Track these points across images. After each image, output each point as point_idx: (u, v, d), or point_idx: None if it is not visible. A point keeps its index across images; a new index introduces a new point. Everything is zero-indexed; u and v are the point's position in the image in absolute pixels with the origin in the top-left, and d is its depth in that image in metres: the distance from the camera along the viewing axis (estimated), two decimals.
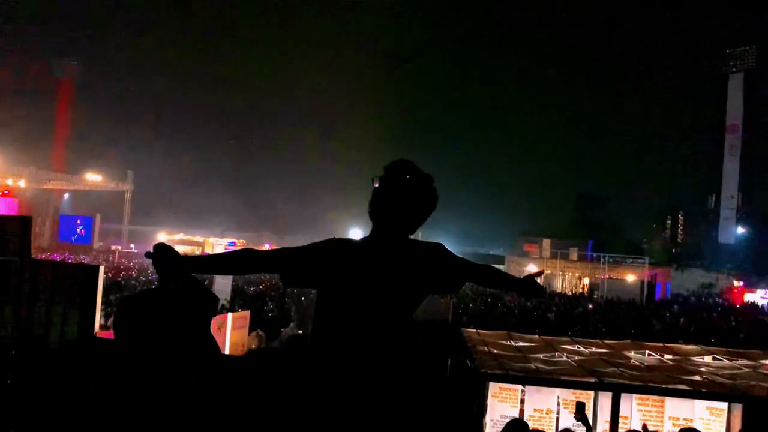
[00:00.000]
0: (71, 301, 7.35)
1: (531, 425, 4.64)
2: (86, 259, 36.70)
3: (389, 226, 2.22)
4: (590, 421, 6.56)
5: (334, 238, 2.30)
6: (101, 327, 8.28)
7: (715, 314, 26.56)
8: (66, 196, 60.41)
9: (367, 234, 2.30)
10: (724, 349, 8.61)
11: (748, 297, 44.97)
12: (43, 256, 32.86)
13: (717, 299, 42.94)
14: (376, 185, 2.22)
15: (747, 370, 7.15)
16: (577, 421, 5.36)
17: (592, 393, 6.49)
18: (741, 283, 47.71)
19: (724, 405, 6.32)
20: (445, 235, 63.42)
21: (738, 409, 5.99)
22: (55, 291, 7.34)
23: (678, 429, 5.72)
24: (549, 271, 53.80)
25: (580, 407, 5.07)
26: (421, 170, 2.25)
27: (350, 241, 2.31)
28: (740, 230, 68.68)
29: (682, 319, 21.61)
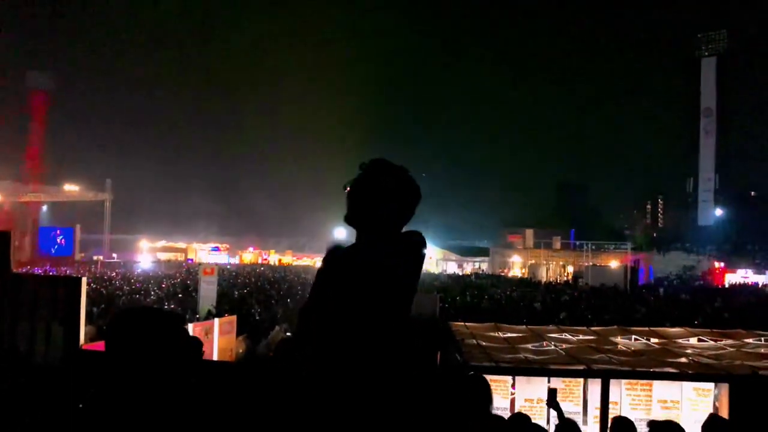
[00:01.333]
0: (55, 314, 7.27)
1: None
2: (68, 271, 36.29)
3: (374, 226, 2.13)
4: (581, 407, 6.63)
5: (335, 247, 2.21)
6: (87, 339, 8.19)
7: (698, 295, 26.95)
8: (44, 208, 59.65)
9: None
10: (708, 330, 8.74)
11: (730, 277, 45.67)
12: (24, 270, 32.45)
13: (699, 281, 43.52)
14: (348, 190, 2.12)
15: (731, 350, 7.26)
16: (549, 408, 5.40)
17: (581, 380, 6.54)
18: (722, 264, 48.42)
19: (711, 385, 6.41)
20: (430, 229, 63.59)
21: (724, 388, 6.07)
22: (37, 305, 7.25)
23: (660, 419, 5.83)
24: (533, 261, 54.18)
25: (551, 394, 5.09)
26: (393, 164, 2.17)
27: (345, 247, 2.26)
28: (718, 212, 69.62)
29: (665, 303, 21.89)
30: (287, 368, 2.19)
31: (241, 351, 11.18)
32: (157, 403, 1.62)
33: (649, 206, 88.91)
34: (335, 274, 2.14)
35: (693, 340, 8.03)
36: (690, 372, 6.14)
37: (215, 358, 9.88)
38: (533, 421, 3.89)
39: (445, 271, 55.32)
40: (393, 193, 2.11)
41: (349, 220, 2.14)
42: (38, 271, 34.86)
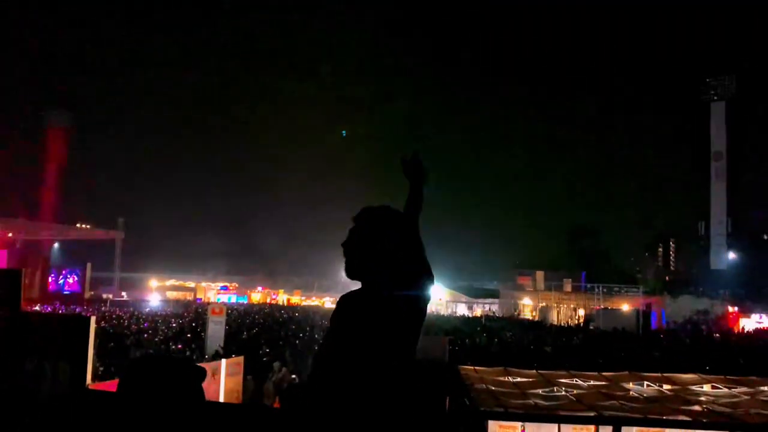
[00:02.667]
0: (63, 353, 7.27)
1: None
2: (78, 309, 36.33)
3: (372, 272, 2.16)
4: None
5: (344, 294, 2.29)
6: (94, 378, 8.16)
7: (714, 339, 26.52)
8: (56, 245, 60.06)
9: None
10: (722, 377, 8.59)
11: (743, 322, 44.93)
12: (34, 308, 32.55)
13: (710, 326, 42.83)
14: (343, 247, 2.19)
15: (746, 397, 7.13)
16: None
17: (592, 427, 6.43)
18: (735, 309, 47.70)
19: None
20: (439, 270, 63.26)
21: None
22: (46, 343, 7.26)
23: None
24: (544, 304, 53.71)
25: None
26: (374, 207, 2.23)
27: (349, 294, 2.29)
28: (731, 255, 68.95)
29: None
30: (295, 413, 2.19)
31: (248, 392, 11.09)
32: None
33: (660, 249, 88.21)
34: (339, 317, 2.17)
35: (707, 387, 7.89)
36: (704, 420, 6.02)
37: (222, 399, 9.79)
38: None
39: (455, 312, 54.87)
40: (378, 238, 2.16)
41: (349, 274, 2.21)
42: (48, 309, 34.93)
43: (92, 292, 58.37)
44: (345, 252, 2.19)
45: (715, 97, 74.34)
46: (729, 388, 7.73)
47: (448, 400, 8.20)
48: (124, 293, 65.04)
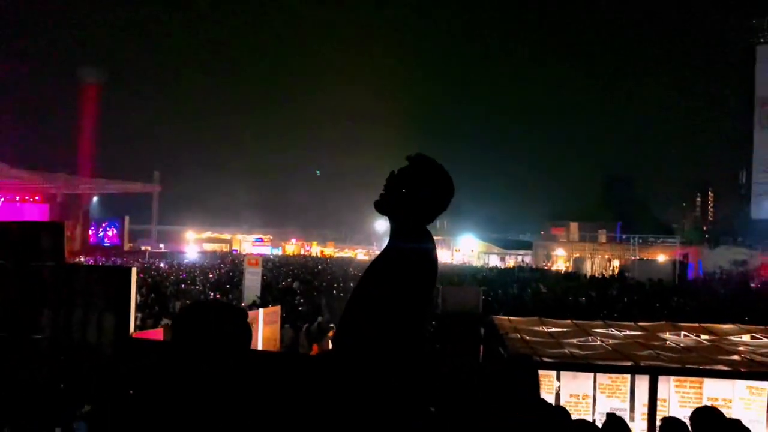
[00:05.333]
0: (107, 303, 7.47)
1: (568, 411, 4.58)
2: (118, 261, 37.32)
3: (400, 218, 2.20)
4: (628, 404, 6.50)
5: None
6: (136, 328, 8.40)
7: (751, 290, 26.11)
8: (95, 199, 61.43)
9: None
10: (762, 327, 8.45)
11: None
12: (76, 260, 33.52)
13: (748, 276, 42.07)
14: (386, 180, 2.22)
15: None
16: None
17: (628, 377, 6.42)
18: None
19: (765, 384, 6.20)
20: (471, 222, 63.12)
21: None
22: (90, 294, 7.47)
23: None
24: (578, 255, 53.30)
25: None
26: (431, 160, 2.24)
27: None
28: None
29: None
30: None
31: (285, 341, 11.33)
32: (211, 390, 1.65)
33: (699, 199, 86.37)
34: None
35: (746, 337, 7.78)
36: (743, 370, 5.95)
37: (260, 347, 10.02)
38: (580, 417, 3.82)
39: (487, 264, 54.88)
40: (423, 188, 2.18)
41: (379, 208, 2.22)
42: (90, 261, 35.95)
43: (131, 245, 59.84)
44: (388, 183, 2.21)
45: (762, 40, 71.24)
46: None
47: (482, 349, 8.26)
48: (161, 245, 66.53)
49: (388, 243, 2.20)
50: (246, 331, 1.81)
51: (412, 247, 2.14)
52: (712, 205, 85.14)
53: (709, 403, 6.44)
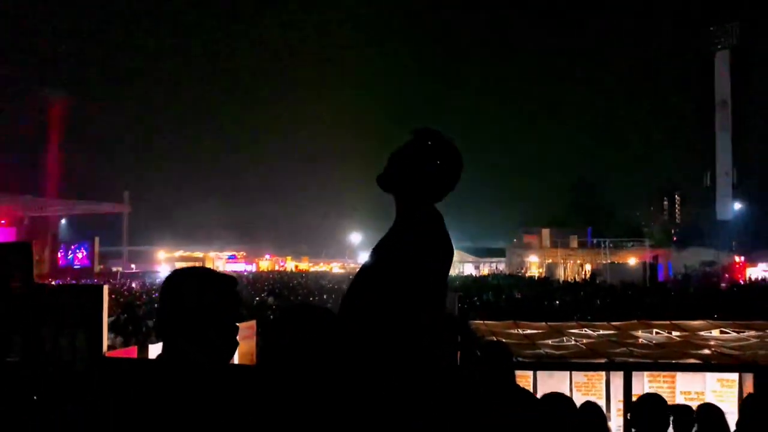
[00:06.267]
0: (78, 323, 7.35)
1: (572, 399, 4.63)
2: (89, 282, 36.65)
3: (405, 195, 2.03)
4: (604, 401, 6.59)
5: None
6: (109, 347, 8.28)
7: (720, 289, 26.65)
8: (63, 221, 60.34)
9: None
10: (730, 322, 8.65)
11: (750, 271, 45.09)
12: (45, 282, 32.81)
13: (717, 276, 42.95)
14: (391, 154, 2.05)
15: (755, 340, 7.20)
16: None
17: (603, 374, 6.52)
18: (742, 259, 47.83)
19: (735, 376, 6.34)
20: None
21: (749, 378, 6.01)
22: (60, 314, 7.34)
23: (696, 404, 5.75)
24: (551, 260, 53.89)
25: None
26: (441, 133, 2.09)
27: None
28: (737, 206, 68.84)
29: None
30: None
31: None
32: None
33: (666, 202, 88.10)
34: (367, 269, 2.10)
35: (715, 332, 7.96)
36: (713, 363, 6.10)
37: (236, 362, 9.94)
38: None
39: (462, 272, 55.16)
40: (429, 162, 2.03)
41: (382, 183, 2.05)
42: (60, 283, 35.25)
43: (102, 266, 58.83)
44: (392, 158, 2.04)
45: (719, 46, 73.27)
46: (737, 332, 7.80)
47: (459, 354, 8.30)
48: (133, 266, 65.54)
49: (395, 223, 2.03)
50: (234, 300, 1.73)
51: (422, 227, 1.97)
52: (679, 208, 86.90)
53: (682, 397, 6.57)
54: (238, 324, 1.75)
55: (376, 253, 2.01)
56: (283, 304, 20.16)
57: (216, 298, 1.66)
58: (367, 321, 1.90)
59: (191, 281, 1.69)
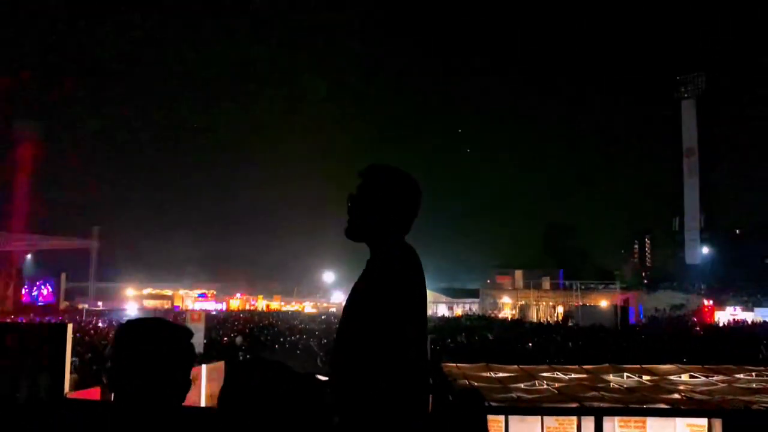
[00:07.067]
0: (40, 362, 7.14)
1: None
2: (53, 320, 35.72)
3: (374, 237, 2.04)
4: None
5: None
6: (71, 387, 8.04)
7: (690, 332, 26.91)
8: (28, 256, 59.05)
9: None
10: (699, 366, 8.72)
11: (719, 315, 45.70)
12: (9, 320, 31.93)
13: (686, 319, 43.48)
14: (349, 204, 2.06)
15: (723, 385, 7.25)
16: None
17: (575, 418, 6.48)
18: (710, 302, 48.51)
19: (704, 421, 6.36)
20: None
21: (718, 423, 6.03)
22: (22, 353, 7.13)
23: None
24: (523, 302, 54.07)
25: None
26: (386, 166, 2.10)
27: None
28: (705, 250, 70.15)
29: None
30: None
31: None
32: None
33: (636, 246, 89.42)
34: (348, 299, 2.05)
35: (685, 377, 8.01)
36: (683, 408, 6.11)
37: (203, 404, 9.70)
38: None
39: (436, 313, 55.00)
40: (384, 199, 2.04)
41: (350, 235, 2.06)
42: (22, 320, 34.31)
43: (67, 303, 57.47)
44: (350, 207, 2.04)
45: (686, 95, 75.49)
46: (706, 376, 7.86)
47: (431, 398, 8.21)
48: (100, 303, 64.09)
49: (368, 261, 2.03)
50: (187, 355, 1.69)
51: (392, 262, 1.97)
52: (649, 251, 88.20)
53: None
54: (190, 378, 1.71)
55: (355, 290, 2.01)
56: (251, 346, 19.87)
57: (168, 351, 1.62)
58: (359, 340, 1.90)
59: (144, 334, 1.65)
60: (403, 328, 1.90)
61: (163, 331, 1.64)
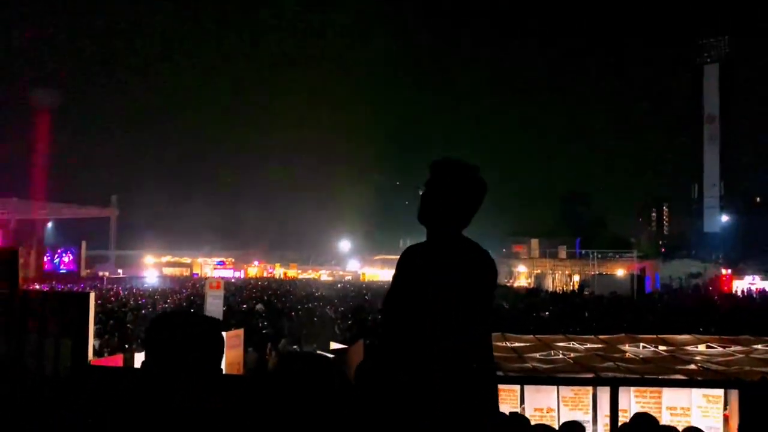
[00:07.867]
0: (64, 330, 7.29)
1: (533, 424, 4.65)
2: (75, 288, 36.36)
3: (436, 224, 2.26)
4: (590, 416, 6.60)
5: (408, 247, 2.34)
6: (95, 354, 8.22)
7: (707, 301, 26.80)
8: (49, 225, 59.88)
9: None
10: (716, 336, 8.69)
11: (737, 284, 45.41)
12: (31, 287, 32.53)
13: (703, 290, 43.25)
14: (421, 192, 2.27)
15: (740, 356, 7.22)
16: None
17: (590, 388, 6.52)
18: (729, 271, 48.15)
19: (720, 392, 6.38)
20: None
21: (734, 394, 6.04)
22: (46, 321, 7.28)
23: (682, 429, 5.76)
24: (539, 271, 54.06)
25: None
26: (460, 163, 2.32)
27: (416, 247, 2.33)
28: (724, 218, 69.40)
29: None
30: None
31: (249, 364, 11.19)
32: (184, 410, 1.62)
33: (654, 214, 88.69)
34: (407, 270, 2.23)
35: (701, 347, 7.99)
36: (699, 379, 6.11)
37: (223, 371, 9.88)
38: None
39: None
40: (456, 193, 2.27)
41: (420, 219, 2.27)
42: (45, 288, 34.94)
43: (88, 271, 58.41)
44: (425, 193, 2.25)
45: (708, 60, 73.95)
46: (723, 347, 7.83)
47: None
48: (120, 271, 65.09)
49: (429, 247, 2.23)
50: (215, 347, 1.77)
51: (487, 257, 2.29)
52: (667, 219, 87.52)
53: (668, 413, 6.60)
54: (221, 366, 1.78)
55: (443, 273, 2.20)
56: (271, 312, 20.10)
57: (198, 345, 1.68)
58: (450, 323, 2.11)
59: (174, 331, 1.71)
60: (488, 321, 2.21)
61: (191, 328, 1.70)
